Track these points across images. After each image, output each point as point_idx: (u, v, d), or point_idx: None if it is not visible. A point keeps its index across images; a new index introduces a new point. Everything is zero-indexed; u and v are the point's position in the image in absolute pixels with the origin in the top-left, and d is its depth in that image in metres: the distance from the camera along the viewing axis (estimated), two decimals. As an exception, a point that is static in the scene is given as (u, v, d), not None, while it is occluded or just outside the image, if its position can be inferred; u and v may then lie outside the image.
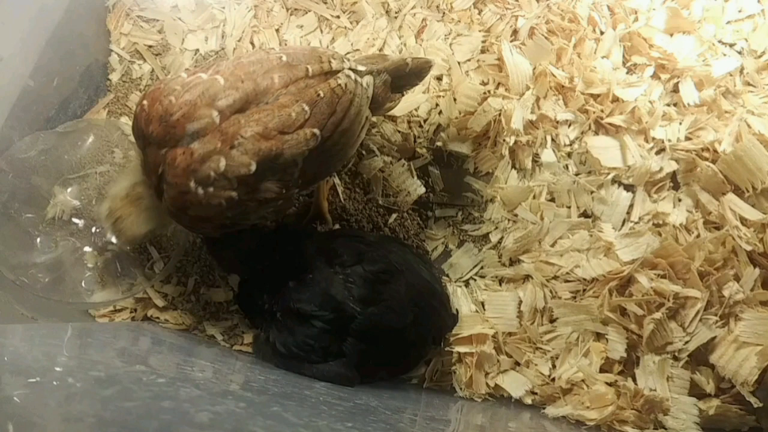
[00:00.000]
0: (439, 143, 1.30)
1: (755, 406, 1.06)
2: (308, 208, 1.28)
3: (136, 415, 0.66)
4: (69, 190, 1.25)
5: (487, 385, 1.18)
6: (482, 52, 1.34)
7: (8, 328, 0.94)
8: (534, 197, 1.25)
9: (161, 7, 1.44)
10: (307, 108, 0.95)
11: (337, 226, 1.28)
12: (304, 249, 1.12)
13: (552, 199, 1.25)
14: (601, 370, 1.15)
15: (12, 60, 1.20)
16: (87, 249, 1.24)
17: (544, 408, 1.16)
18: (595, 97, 1.26)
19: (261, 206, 0.99)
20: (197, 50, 1.41)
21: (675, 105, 1.25)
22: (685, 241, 1.17)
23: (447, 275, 1.27)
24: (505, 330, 1.20)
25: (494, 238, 1.26)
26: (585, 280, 1.19)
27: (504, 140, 1.26)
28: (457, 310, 1.21)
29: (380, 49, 1.37)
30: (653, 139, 1.23)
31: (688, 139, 1.22)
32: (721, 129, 1.21)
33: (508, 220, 1.26)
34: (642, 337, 1.12)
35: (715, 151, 1.19)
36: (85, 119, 1.37)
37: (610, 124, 1.24)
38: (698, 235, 1.17)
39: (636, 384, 1.12)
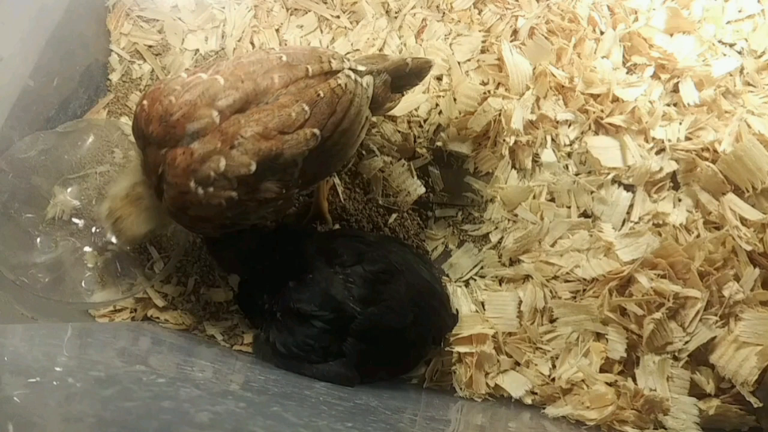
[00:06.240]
0: (439, 143, 1.30)
1: (755, 406, 1.06)
2: (308, 208, 1.27)
3: (136, 415, 0.66)
4: (69, 190, 1.25)
5: (487, 385, 1.18)
6: (482, 52, 1.34)
7: (8, 328, 0.94)
8: (534, 197, 1.25)
9: (161, 7, 1.44)
10: (307, 108, 0.95)
11: (337, 226, 1.28)
12: (304, 249, 1.12)
13: (552, 199, 1.25)
14: (601, 370, 1.15)
15: (12, 60, 1.20)
16: (87, 249, 1.24)
17: (544, 408, 1.16)
18: (595, 97, 1.26)
19: (261, 206, 0.99)
20: (197, 50, 1.41)
21: (675, 105, 1.26)
22: (685, 241, 1.17)
23: (447, 275, 1.27)
24: (505, 330, 1.20)
25: (494, 238, 1.26)
26: (585, 280, 1.19)
27: (504, 140, 1.26)
28: (457, 310, 1.21)
29: (380, 49, 1.37)
30: (653, 139, 1.23)
31: (688, 139, 1.22)
32: (721, 129, 1.21)
33: (508, 220, 1.26)
34: (642, 337, 1.12)
35: (715, 151, 1.19)
36: (85, 119, 1.37)
37: (610, 124, 1.24)
38: (698, 235, 1.17)
39: (636, 384, 1.12)
